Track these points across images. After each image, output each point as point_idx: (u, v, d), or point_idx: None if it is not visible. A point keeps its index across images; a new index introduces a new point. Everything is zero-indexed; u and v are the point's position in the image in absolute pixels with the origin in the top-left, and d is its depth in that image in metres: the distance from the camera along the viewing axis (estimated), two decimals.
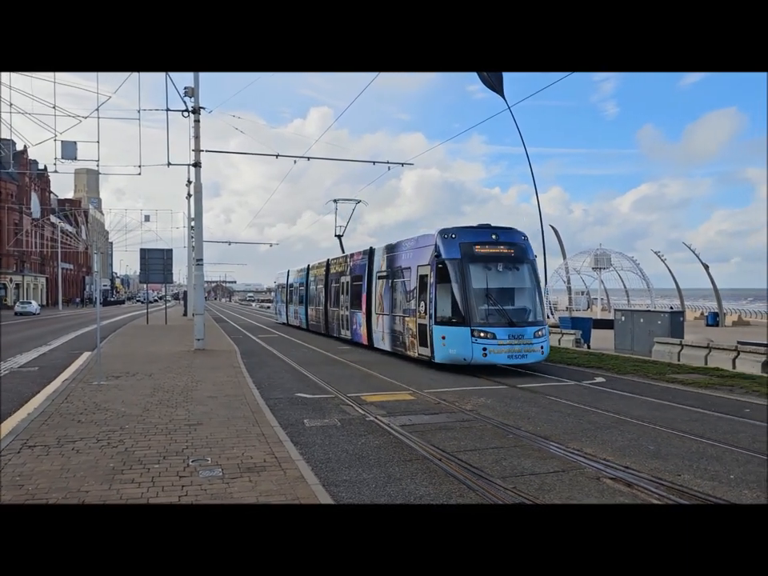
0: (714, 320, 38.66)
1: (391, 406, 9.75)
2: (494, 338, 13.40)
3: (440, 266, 14.14)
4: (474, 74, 37.01)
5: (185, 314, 41.19)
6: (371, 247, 19.70)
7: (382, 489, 5.65)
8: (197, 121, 18.35)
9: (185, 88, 18.24)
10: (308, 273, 28.91)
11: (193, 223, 27.44)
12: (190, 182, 32.45)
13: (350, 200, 28.87)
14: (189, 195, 34.38)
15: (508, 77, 14.40)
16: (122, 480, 5.44)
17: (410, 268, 15.88)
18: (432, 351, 14.29)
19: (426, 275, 14.62)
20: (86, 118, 18.28)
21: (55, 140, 18.53)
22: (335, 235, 29.57)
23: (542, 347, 13.92)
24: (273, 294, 59.77)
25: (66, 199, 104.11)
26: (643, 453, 7.05)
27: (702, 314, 45.09)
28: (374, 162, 22.46)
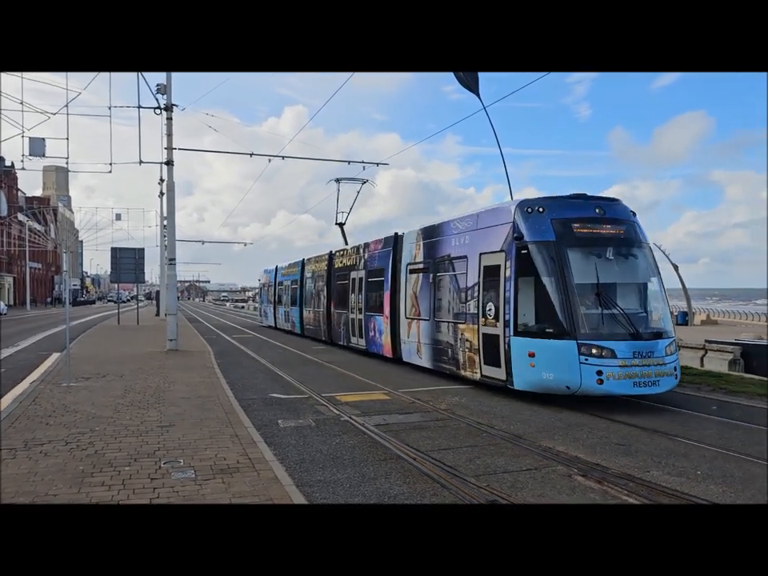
0: (684, 319, 39.39)
1: (366, 406, 9.76)
2: (614, 356, 9.29)
3: (522, 252, 10.18)
4: (450, 75, 37.01)
5: (157, 314, 40.64)
6: (396, 233, 15.83)
7: (357, 489, 5.66)
8: (169, 118, 18.12)
9: (157, 85, 18.00)
10: (303, 268, 25.22)
11: (165, 222, 27.11)
12: (162, 180, 32.03)
13: (355, 180, 23.47)
14: (161, 194, 33.94)
15: (483, 77, 14.34)
16: (92, 483, 5.36)
17: (464, 257, 11.94)
18: (509, 373, 10.34)
19: (497, 266, 10.73)
20: (54, 114, 17.91)
21: (23, 136, 18.14)
22: (336, 223, 24.32)
23: (675, 368, 9.91)
24: (256, 293, 56.12)
25: (34, 197, 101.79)
26: (613, 450, 7.18)
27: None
28: (348, 162, 22.44)
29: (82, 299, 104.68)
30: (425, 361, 13.79)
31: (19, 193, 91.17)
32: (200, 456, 6.26)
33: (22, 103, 17.89)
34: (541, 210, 10.26)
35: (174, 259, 18.45)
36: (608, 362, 9.26)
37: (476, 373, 11.39)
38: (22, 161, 18.64)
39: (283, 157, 22.54)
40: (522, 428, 8.31)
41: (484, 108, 14.53)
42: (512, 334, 10.21)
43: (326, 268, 21.69)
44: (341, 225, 24.26)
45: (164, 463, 6.00)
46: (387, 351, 16.02)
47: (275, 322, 30.87)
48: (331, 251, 21.62)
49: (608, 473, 6.25)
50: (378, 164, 22.45)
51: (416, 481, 5.91)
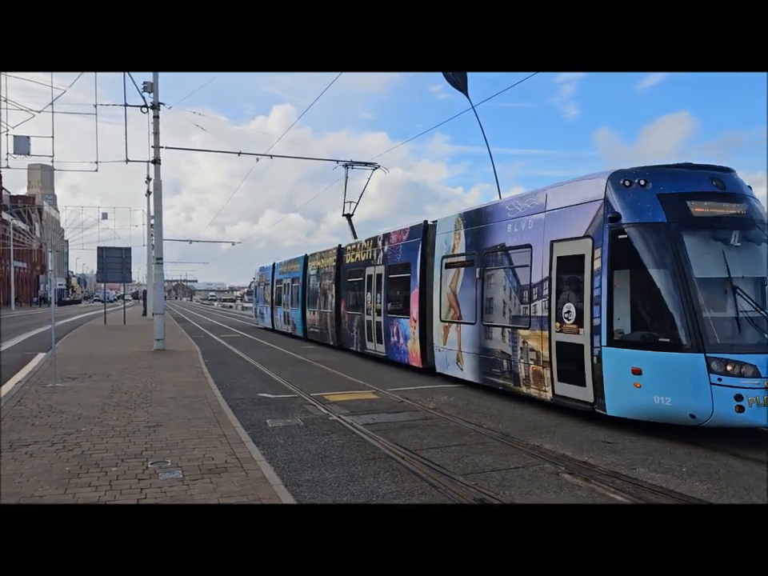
0: None
1: (354, 406, 9.75)
2: (757, 374, 7.12)
3: (620, 237, 8.05)
4: (438, 74, 37.16)
5: (144, 314, 40.38)
6: (425, 221, 13.82)
7: (345, 488, 5.65)
8: (156, 117, 17.99)
9: (144, 83, 17.87)
10: (306, 265, 22.79)
11: (152, 221, 26.94)
12: (149, 178, 31.80)
13: (366, 164, 21.96)
14: (148, 192, 33.72)
15: (472, 77, 14.26)
16: (78, 484, 5.32)
17: (528, 246, 9.78)
18: (599, 395, 8.15)
19: (579, 257, 8.59)
20: (39, 112, 17.75)
21: (7, 134, 17.96)
22: (343, 214, 22.09)
23: None
24: (245, 292, 54.62)
25: (18, 196, 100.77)
26: (600, 448, 7.23)
27: None
28: (337, 161, 22.36)
29: (68, 299, 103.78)
30: (467, 373, 11.70)
31: (3, 191, 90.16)
32: (188, 456, 6.23)
33: (6, 101, 17.73)
34: (643, 182, 8.07)
35: (161, 258, 18.33)
36: (750, 383, 7.04)
37: (545, 391, 9.29)
38: (7, 159, 18.44)
39: (271, 156, 22.48)
40: (511, 426, 8.35)
41: (472, 107, 14.52)
42: (605, 343, 7.99)
43: (334, 264, 19.45)
44: (348, 216, 22.05)
45: (151, 463, 5.96)
46: (414, 360, 13.89)
47: (273, 324, 28.56)
48: (340, 245, 19.58)
49: (595, 470, 6.29)
50: (366, 163, 22.40)
51: (404, 480, 5.92)
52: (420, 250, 13.69)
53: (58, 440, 6.84)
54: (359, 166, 22.06)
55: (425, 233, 13.63)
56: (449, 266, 12.46)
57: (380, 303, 15.81)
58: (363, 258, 17.13)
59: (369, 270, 16.61)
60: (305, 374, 13.71)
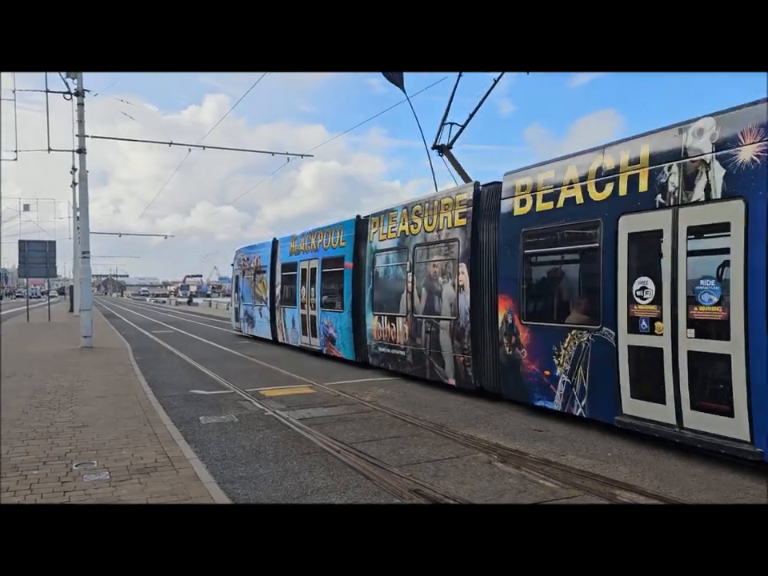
0: None
1: (290, 400, 9.67)
2: None
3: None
4: None
5: (71, 310, 38.70)
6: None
7: (279, 483, 5.60)
8: (81, 104, 17.22)
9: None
10: (358, 234, 13.79)
11: (78, 213, 25.80)
12: (74, 169, 30.43)
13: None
14: (73, 183, 32.27)
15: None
16: None
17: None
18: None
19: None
20: None
21: None
22: (434, 146, 12.39)
23: None
24: (229, 285, 34.97)
25: None
26: (531, 436, 7.44)
27: None
28: (273, 153, 22.04)
29: None
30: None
31: None
32: (115, 456, 6.01)
33: None
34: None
35: (88, 252, 17.59)
36: None
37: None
38: None
39: (204, 147, 21.90)
40: (445, 417, 8.47)
41: (408, 100, 14.56)
42: None
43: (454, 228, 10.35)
44: (443, 148, 12.40)
45: (76, 465, 5.72)
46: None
47: (275, 333, 18.94)
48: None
49: (526, 458, 6.47)
50: (302, 155, 22.19)
51: (339, 473, 5.91)
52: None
53: None
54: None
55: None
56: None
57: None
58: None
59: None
60: (240, 369, 13.47)
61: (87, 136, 17.55)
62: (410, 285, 11.43)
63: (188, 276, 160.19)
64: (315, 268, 15.72)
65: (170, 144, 21.20)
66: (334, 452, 6.64)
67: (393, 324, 12.04)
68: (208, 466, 5.97)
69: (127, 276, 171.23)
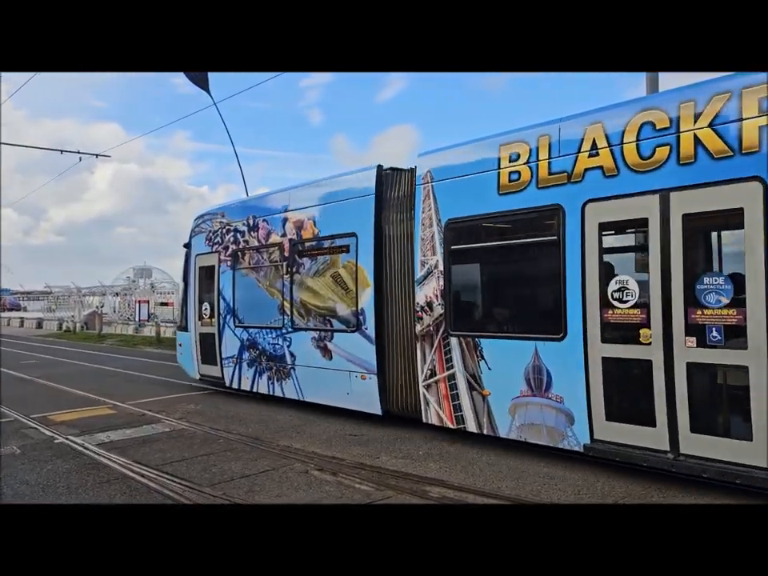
0: None
1: (86, 424, 8.71)
2: None
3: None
4: None
5: None
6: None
7: None
8: None
9: None
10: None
11: None
12: None
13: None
14: None
15: (214, 75, 13.61)
16: None
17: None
18: None
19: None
20: None
21: None
22: None
23: None
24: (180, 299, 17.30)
25: None
26: (347, 441, 7.50)
27: None
28: (61, 151, 19.93)
29: None
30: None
31: None
32: None
33: None
34: None
35: None
36: None
37: None
38: None
39: None
40: (260, 429, 8.22)
41: (215, 104, 14.08)
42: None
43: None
44: None
45: None
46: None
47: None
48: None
49: (343, 464, 6.49)
50: (98, 155, 20.37)
51: (144, 500, 5.42)
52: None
53: None
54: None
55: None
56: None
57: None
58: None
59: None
60: (23, 392, 11.88)
61: None
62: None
63: None
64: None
65: None
66: (138, 477, 6.08)
67: None
68: None
69: None
